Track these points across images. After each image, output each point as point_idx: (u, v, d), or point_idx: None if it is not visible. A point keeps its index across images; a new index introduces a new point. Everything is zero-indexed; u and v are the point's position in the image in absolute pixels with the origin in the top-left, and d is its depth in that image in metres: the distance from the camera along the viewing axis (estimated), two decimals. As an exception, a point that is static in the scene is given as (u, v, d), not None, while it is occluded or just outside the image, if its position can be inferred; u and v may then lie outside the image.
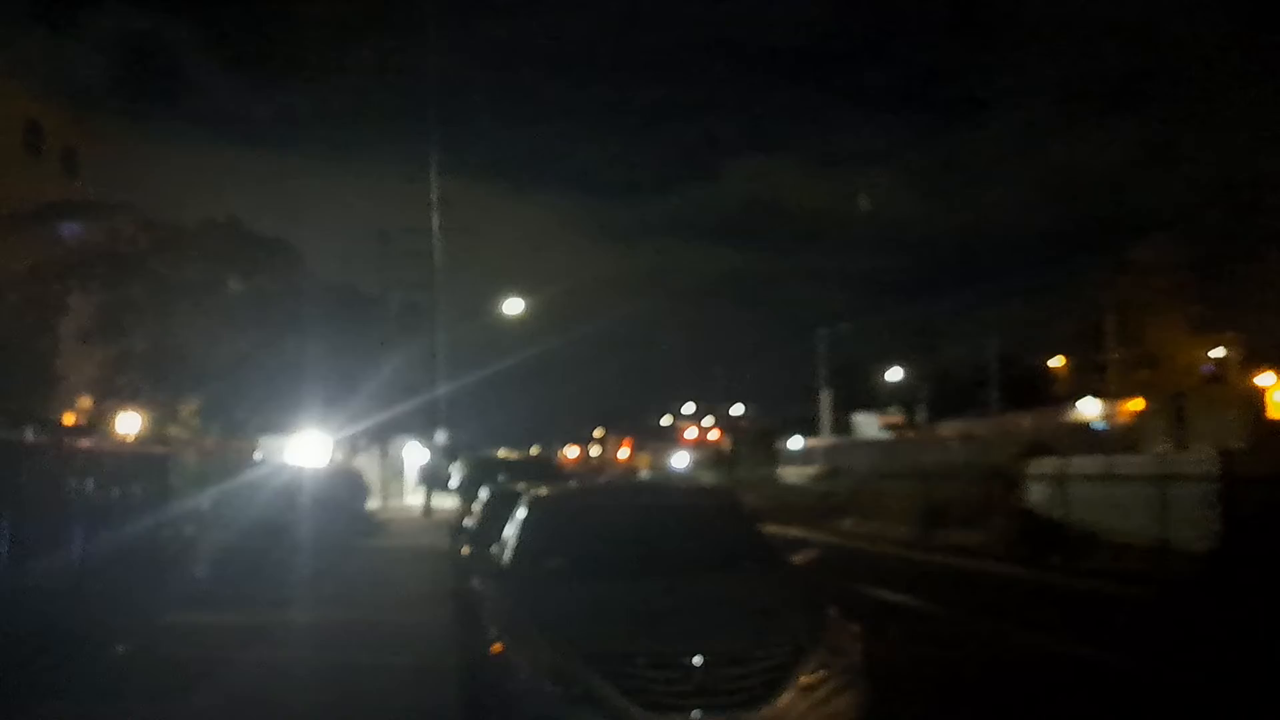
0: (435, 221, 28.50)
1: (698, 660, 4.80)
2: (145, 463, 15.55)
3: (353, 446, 29.40)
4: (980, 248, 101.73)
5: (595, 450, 78.63)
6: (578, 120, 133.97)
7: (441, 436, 29.51)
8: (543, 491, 7.75)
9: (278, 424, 24.69)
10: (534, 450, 53.37)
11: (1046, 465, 23.28)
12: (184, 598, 11.45)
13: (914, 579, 16.77)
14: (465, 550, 11.36)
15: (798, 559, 6.35)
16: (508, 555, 6.47)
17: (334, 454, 29.34)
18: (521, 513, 6.95)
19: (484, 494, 12.98)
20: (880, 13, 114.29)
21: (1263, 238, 26.05)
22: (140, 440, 17.30)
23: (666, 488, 9.51)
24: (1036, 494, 22.47)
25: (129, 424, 18.22)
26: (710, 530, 6.42)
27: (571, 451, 67.63)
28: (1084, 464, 22.74)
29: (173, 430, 17.82)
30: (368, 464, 30.66)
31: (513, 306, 28.15)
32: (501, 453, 32.80)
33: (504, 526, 7.42)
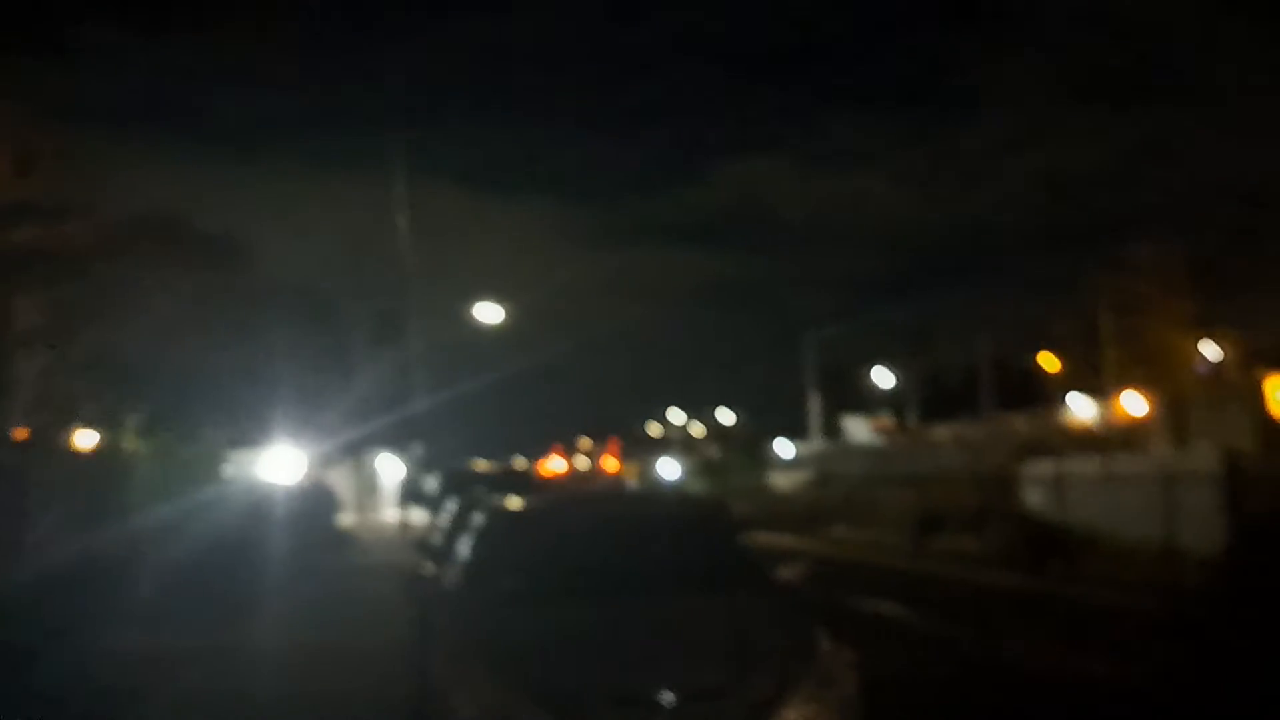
0: (409, 227, 27.63)
1: (667, 697, 4.04)
2: (93, 477, 14.69)
3: (325, 460, 28.50)
4: (973, 247, 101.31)
5: (582, 461, 77.80)
6: (560, 122, 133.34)
7: (418, 449, 28.63)
8: (503, 503, 6.95)
9: (243, 436, 23.86)
10: (518, 462, 52.40)
11: (1042, 468, 22.64)
12: (125, 619, 10.72)
13: (909, 590, 16.03)
14: (426, 568, 10.53)
15: (787, 575, 5.56)
16: (457, 575, 5.68)
17: (306, 468, 28.47)
18: (477, 527, 6.14)
19: (450, 506, 12.10)
20: (868, 9, 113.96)
21: (1262, 233, 25.54)
22: (92, 453, 16.42)
23: (641, 498, 8.69)
24: (1033, 498, 21.82)
25: (82, 437, 17.33)
26: (689, 545, 5.64)
27: (556, 463, 66.71)
28: (1081, 466, 22.14)
29: (127, 443, 16.92)
30: (341, 478, 29.78)
31: (490, 313, 27.24)
32: (479, 464, 31.92)
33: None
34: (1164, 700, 7.93)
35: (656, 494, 8.26)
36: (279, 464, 26.68)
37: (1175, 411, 25.01)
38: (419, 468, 28.64)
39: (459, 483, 18.60)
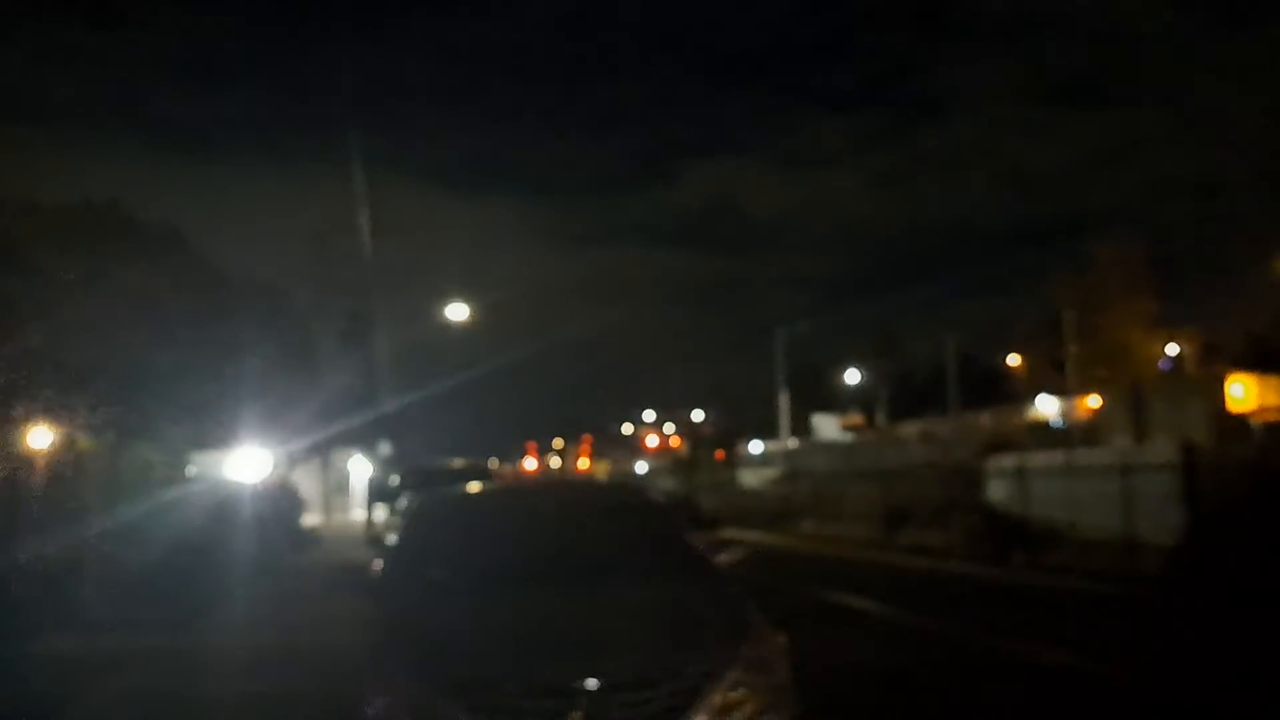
0: (374, 225, 27.34)
1: (589, 685, 3.97)
2: (44, 477, 14.42)
3: (292, 460, 28.19)
4: (941, 247, 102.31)
5: (555, 460, 77.62)
6: (532, 123, 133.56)
7: (386, 448, 28.39)
8: (436, 491, 6.85)
9: (207, 436, 23.58)
10: (491, 462, 52.28)
11: (1006, 462, 22.80)
12: (66, 622, 10.47)
13: (873, 581, 16.08)
14: (375, 563, 10.44)
15: (724, 559, 5.53)
16: (384, 565, 5.57)
17: (272, 468, 28.21)
18: (407, 516, 6.05)
19: (403, 503, 12.01)
20: (838, 12, 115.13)
21: (1219, 232, 25.92)
22: (43, 453, 16.11)
23: (577, 485, 8.50)
24: (997, 491, 21.97)
25: (34, 437, 17.00)
26: (623, 532, 5.57)
27: (530, 462, 66.49)
28: (1044, 459, 22.33)
29: (80, 442, 16.61)
30: (307, 478, 29.50)
31: (459, 312, 27.04)
32: (445, 462, 31.64)
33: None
34: (1107, 679, 8.02)
35: (593, 481, 8.02)
36: (245, 464, 26.37)
37: (1135, 406, 25.28)
38: (386, 467, 28.42)
39: (419, 479, 18.43)
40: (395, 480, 22.23)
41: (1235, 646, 9.53)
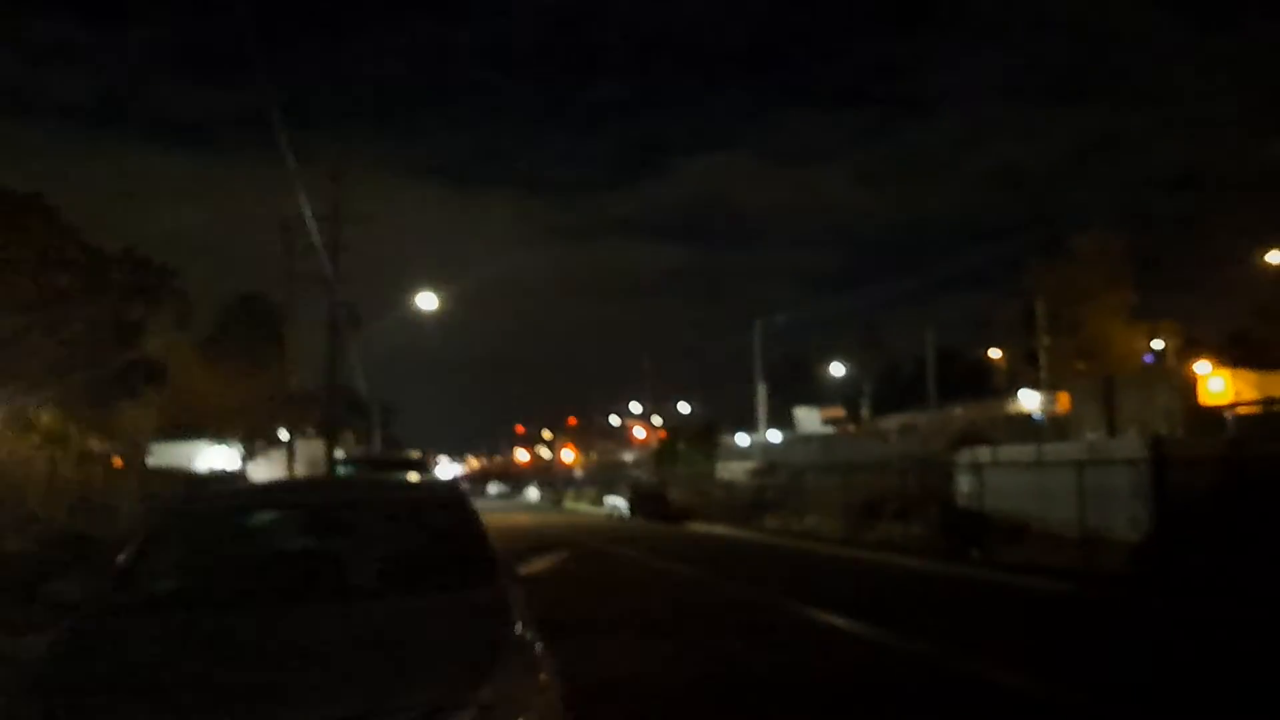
0: (366, 218, 26.73)
1: None
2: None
3: (255, 450, 27.83)
4: (927, 242, 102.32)
5: (545, 452, 77.31)
6: (526, 118, 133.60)
7: (349, 437, 28.07)
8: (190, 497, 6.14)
9: (165, 427, 23.29)
10: (480, 456, 52.07)
11: (976, 455, 22.41)
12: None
13: (823, 579, 15.67)
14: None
15: (532, 569, 4.89)
16: (86, 585, 4.56)
17: (238, 459, 27.94)
18: (148, 524, 5.31)
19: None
20: (828, 10, 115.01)
21: (1202, 228, 25.56)
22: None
23: (362, 485, 7.34)
24: (966, 484, 21.57)
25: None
26: (402, 540, 4.90)
27: (519, 454, 66.17)
28: (1012, 452, 21.99)
29: (25, 439, 16.22)
30: (274, 469, 29.10)
31: (428, 300, 26.65)
32: (407, 453, 31.27)
33: None
34: (1041, 699, 7.51)
35: (399, 481, 6.92)
36: (210, 455, 26.08)
37: (1107, 400, 24.90)
38: (355, 460, 28.09)
39: (365, 469, 18.03)
40: (343, 470, 21.83)
41: (1176, 651, 9.05)
